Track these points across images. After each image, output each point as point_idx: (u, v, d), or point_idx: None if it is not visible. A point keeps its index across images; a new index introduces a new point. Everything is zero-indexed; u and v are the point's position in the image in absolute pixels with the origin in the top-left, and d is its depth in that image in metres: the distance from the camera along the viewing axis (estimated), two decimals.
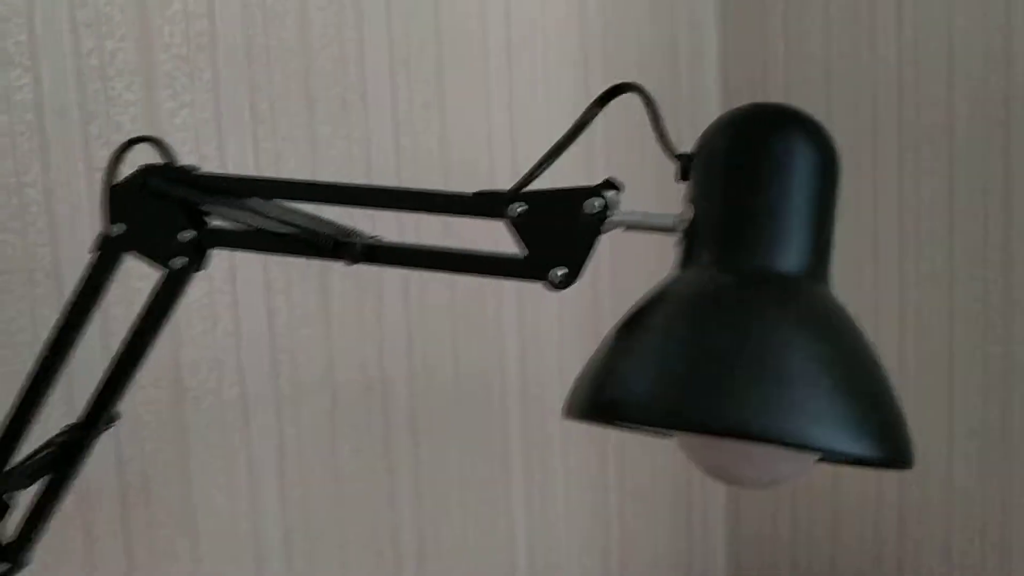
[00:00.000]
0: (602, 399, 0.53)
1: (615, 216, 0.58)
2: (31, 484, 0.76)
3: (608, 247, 0.67)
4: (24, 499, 0.78)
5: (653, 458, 1.53)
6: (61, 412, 0.80)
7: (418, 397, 1.30)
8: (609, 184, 0.59)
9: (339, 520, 1.26)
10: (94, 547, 1.09)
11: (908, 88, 1.25)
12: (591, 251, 0.59)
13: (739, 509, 1.60)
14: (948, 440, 1.27)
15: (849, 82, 1.32)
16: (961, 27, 1.19)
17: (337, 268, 1.20)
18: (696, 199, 0.55)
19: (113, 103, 1.07)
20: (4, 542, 0.78)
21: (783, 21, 1.41)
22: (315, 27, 1.18)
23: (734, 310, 0.52)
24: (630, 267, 1.47)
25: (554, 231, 0.59)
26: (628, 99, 0.61)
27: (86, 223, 1.05)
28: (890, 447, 0.50)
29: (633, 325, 0.54)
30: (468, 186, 0.64)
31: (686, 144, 0.58)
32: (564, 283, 0.60)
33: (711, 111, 1.53)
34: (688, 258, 0.56)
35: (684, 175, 0.56)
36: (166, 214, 0.67)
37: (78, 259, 1.04)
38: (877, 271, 1.31)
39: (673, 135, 0.59)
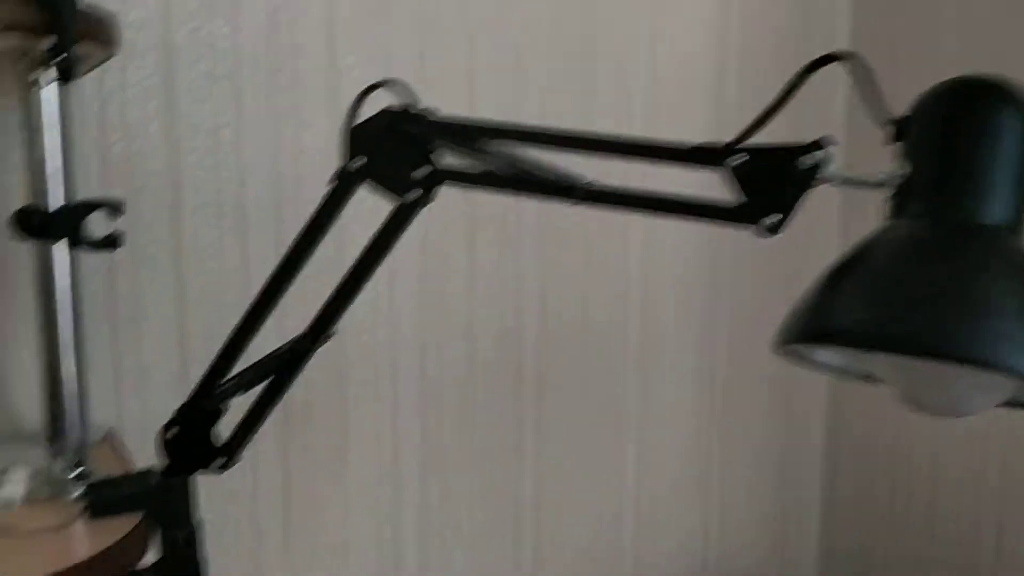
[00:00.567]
0: (819, 325, 0.60)
1: (828, 172, 0.65)
2: (250, 389, 0.85)
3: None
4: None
5: (755, 432, 1.59)
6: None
7: (547, 351, 1.38)
8: (821, 143, 0.65)
9: (469, 460, 1.34)
10: (258, 464, 1.20)
11: None
12: (800, 203, 0.66)
13: (835, 485, 1.65)
14: None
15: None
16: None
17: (484, 227, 1.29)
18: (910, 157, 0.62)
19: (300, 55, 1.16)
20: (220, 442, 0.87)
21: (911, 44, 1.45)
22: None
23: (946, 251, 0.58)
24: (745, 249, 1.52)
25: (768, 182, 0.66)
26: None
27: (268, 166, 1.15)
28: None
29: (848, 266, 0.61)
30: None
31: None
32: (774, 230, 0.66)
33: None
34: (899, 211, 0.62)
35: (898, 137, 0.63)
36: (402, 152, 0.75)
37: (261, 199, 1.15)
38: None
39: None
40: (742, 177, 0.67)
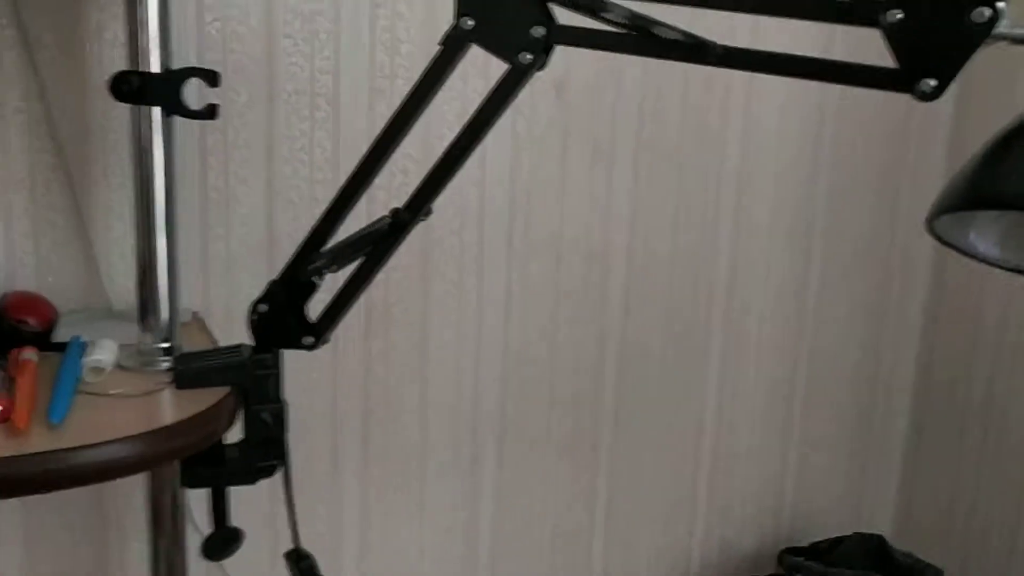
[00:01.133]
0: (983, 190, 0.54)
1: (1003, 28, 0.58)
2: (344, 264, 0.82)
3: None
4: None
5: (836, 407, 1.53)
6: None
7: (634, 274, 1.33)
8: None
9: (550, 376, 1.31)
10: (337, 361, 1.18)
11: None
12: (964, 64, 0.59)
13: (916, 465, 1.58)
14: None
15: None
16: None
17: (577, 133, 1.24)
18: None
19: None
20: (311, 320, 0.84)
21: None
22: None
23: None
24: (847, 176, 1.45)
25: (929, 41, 0.59)
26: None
27: (365, 55, 1.11)
28: None
29: (1007, 140, 0.55)
30: None
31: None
32: (932, 95, 0.60)
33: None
34: None
35: None
36: (516, 10, 0.71)
37: (355, 91, 1.11)
38: None
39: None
40: (896, 36, 0.60)
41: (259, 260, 1.10)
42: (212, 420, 0.80)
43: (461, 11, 0.72)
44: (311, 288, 0.84)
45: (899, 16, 0.60)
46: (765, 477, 1.50)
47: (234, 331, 1.07)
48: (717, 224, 1.37)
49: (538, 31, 0.70)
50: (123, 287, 1.02)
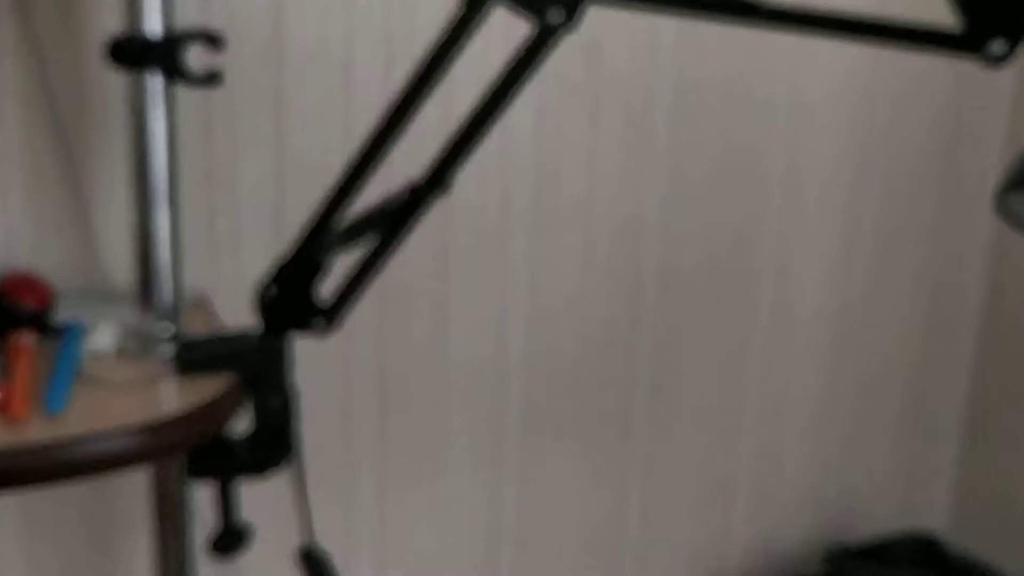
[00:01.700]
0: None
1: None
2: (356, 242, 0.77)
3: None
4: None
5: (886, 393, 1.46)
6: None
7: (669, 250, 1.26)
8: None
9: (578, 360, 1.25)
10: (350, 347, 1.12)
11: None
12: None
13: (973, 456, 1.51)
14: None
15: None
16: None
17: (608, 100, 1.17)
18: None
19: None
20: (322, 302, 0.79)
21: None
22: None
23: None
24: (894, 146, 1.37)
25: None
26: None
27: (378, 21, 1.05)
28: None
29: None
30: None
31: None
32: (1002, 58, 0.54)
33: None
34: None
35: None
36: None
37: (369, 57, 1.05)
38: None
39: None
40: None
41: (268, 238, 1.04)
42: (219, 409, 0.75)
43: None
44: (322, 268, 0.79)
45: None
46: (808, 467, 1.43)
47: (241, 314, 1.02)
48: (764, 197, 1.30)
49: None
50: (124, 266, 0.97)
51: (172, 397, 0.76)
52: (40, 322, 0.86)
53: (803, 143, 1.30)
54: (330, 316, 0.79)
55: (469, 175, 1.14)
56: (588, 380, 1.26)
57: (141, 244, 0.86)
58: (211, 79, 0.81)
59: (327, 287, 0.79)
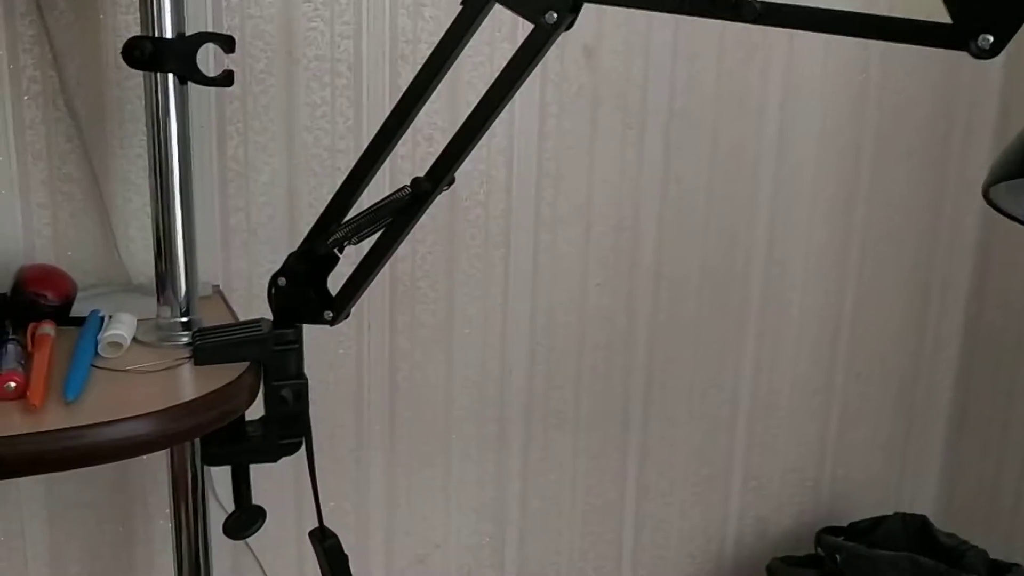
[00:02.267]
0: None
1: None
2: (365, 236, 0.79)
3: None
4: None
5: (877, 381, 1.48)
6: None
7: (666, 245, 1.29)
8: None
9: (579, 350, 1.28)
10: (362, 336, 1.15)
11: None
12: None
13: (961, 442, 1.53)
14: None
15: None
16: None
17: (608, 98, 1.20)
18: None
19: None
20: (331, 294, 0.82)
21: None
22: None
23: None
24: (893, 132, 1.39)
25: None
26: None
27: (385, 22, 1.08)
28: None
29: None
30: None
31: None
32: (989, 52, 0.55)
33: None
34: None
35: None
36: None
37: (377, 57, 1.08)
38: None
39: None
40: None
41: (280, 232, 1.07)
42: (232, 397, 0.78)
43: None
44: (331, 261, 0.81)
45: None
46: (802, 453, 1.46)
47: (255, 305, 1.05)
48: (755, 193, 1.32)
49: None
50: (142, 260, 1.00)
51: (187, 385, 0.79)
52: (61, 315, 0.89)
53: (794, 137, 1.32)
54: (338, 308, 0.82)
55: (470, 175, 1.18)
56: (588, 371, 1.29)
57: (158, 239, 0.88)
58: (224, 80, 0.83)
59: (339, 279, 0.82)
